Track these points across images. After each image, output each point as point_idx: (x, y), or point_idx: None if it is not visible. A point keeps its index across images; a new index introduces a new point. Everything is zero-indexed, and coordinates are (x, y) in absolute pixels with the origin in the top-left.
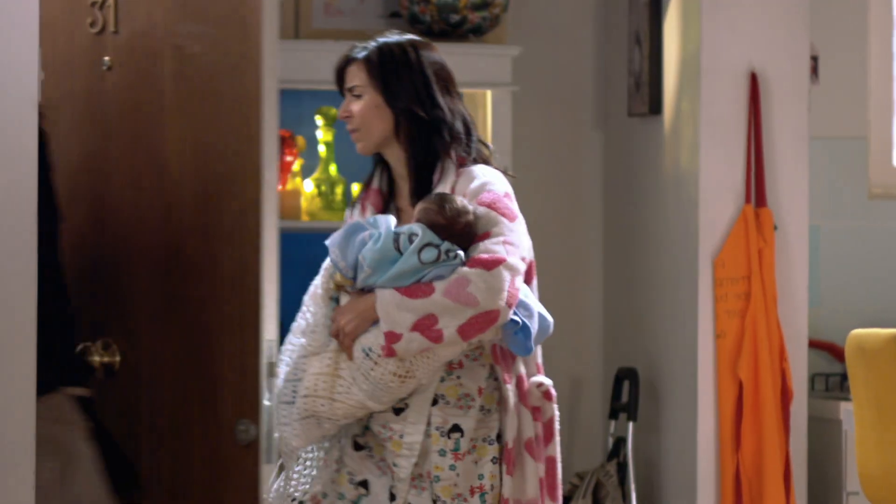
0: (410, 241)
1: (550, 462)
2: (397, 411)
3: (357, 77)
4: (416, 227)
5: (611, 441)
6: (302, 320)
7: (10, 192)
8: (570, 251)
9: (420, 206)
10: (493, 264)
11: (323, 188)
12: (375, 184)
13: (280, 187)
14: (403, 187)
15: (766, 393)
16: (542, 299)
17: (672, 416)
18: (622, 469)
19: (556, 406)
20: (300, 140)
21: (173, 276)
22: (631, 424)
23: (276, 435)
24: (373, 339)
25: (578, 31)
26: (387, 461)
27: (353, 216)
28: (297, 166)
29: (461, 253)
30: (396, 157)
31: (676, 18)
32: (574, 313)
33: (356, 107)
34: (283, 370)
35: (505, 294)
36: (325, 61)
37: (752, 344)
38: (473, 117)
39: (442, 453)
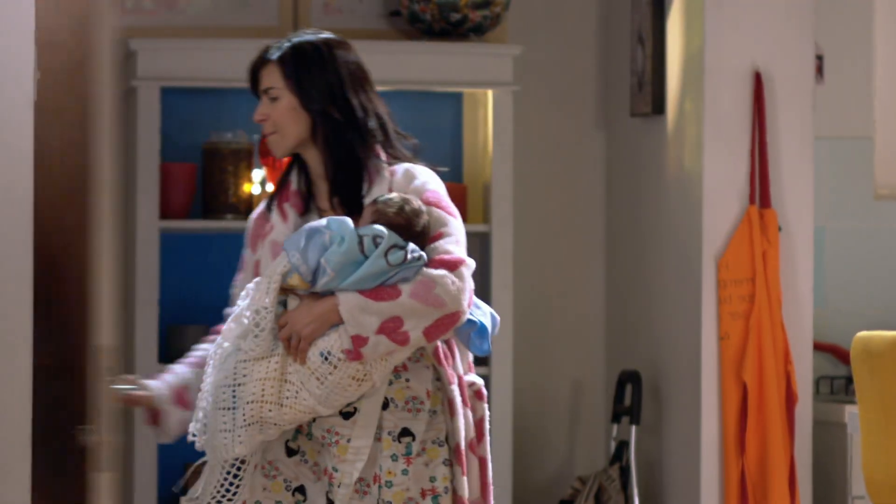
0: (375, 244)
1: (483, 462)
2: (346, 415)
3: (271, 78)
4: (380, 229)
5: (613, 445)
6: (233, 323)
7: (8, 193)
8: (572, 252)
9: (374, 207)
10: (455, 265)
11: None
12: (294, 185)
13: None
14: (322, 188)
15: (771, 396)
16: (544, 301)
17: (675, 419)
18: (625, 473)
19: (486, 406)
20: None
21: None
22: (634, 428)
23: (202, 441)
24: (331, 343)
25: (580, 30)
26: (320, 466)
27: (272, 218)
28: None
29: (424, 255)
30: (314, 159)
31: (679, 17)
32: (576, 315)
33: (271, 110)
34: (213, 375)
35: (468, 295)
36: None
37: (756, 346)
38: (475, 117)
39: (394, 458)
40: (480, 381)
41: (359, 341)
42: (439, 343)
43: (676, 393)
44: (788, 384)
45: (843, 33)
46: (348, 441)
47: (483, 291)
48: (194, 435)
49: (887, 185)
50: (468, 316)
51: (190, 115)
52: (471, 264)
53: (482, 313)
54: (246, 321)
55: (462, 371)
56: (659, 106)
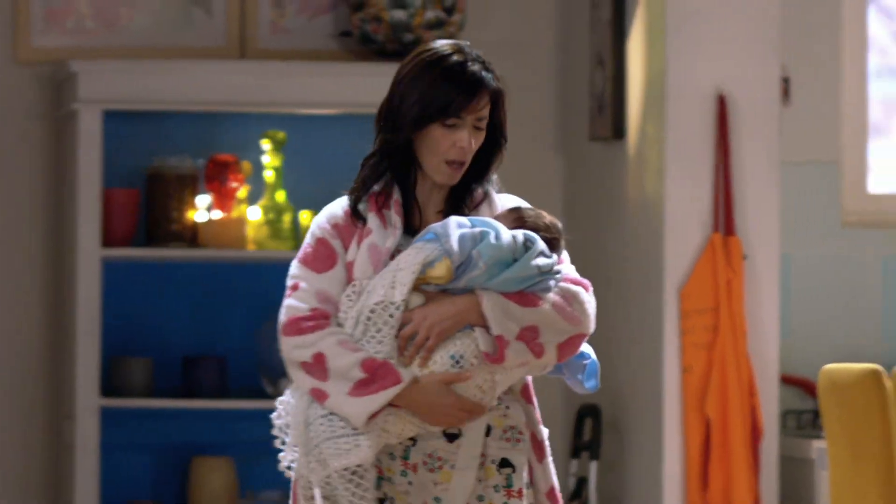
0: (526, 248)
1: None
2: (450, 437)
3: (486, 108)
4: (531, 233)
5: (572, 481)
6: (349, 327)
7: None
8: None
9: (517, 213)
10: (587, 286)
11: (270, 216)
12: (396, 195)
13: (224, 214)
14: (432, 204)
15: (736, 431)
16: None
17: (636, 454)
18: None
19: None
20: (246, 165)
21: None
22: (593, 463)
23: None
24: (464, 346)
25: (538, 51)
26: (412, 495)
27: (369, 222)
28: (242, 193)
29: (563, 270)
30: (438, 185)
31: (640, 38)
32: None
33: (476, 141)
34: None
35: (594, 321)
36: (272, 82)
37: (720, 379)
38: None
39: (496, 489)
40: (547, 432)
41: (503, 342)
42: (529, 380)
43: (637, 427)
44: (754, 418)
45: (811, 54)
46: (452, 467)
47: None
48: (290, 461)
49: (855, 211)
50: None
51: (133, 139)
52: (592, 290)
53: (589, 350)
54: (363, 319)
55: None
56: (619, 130)
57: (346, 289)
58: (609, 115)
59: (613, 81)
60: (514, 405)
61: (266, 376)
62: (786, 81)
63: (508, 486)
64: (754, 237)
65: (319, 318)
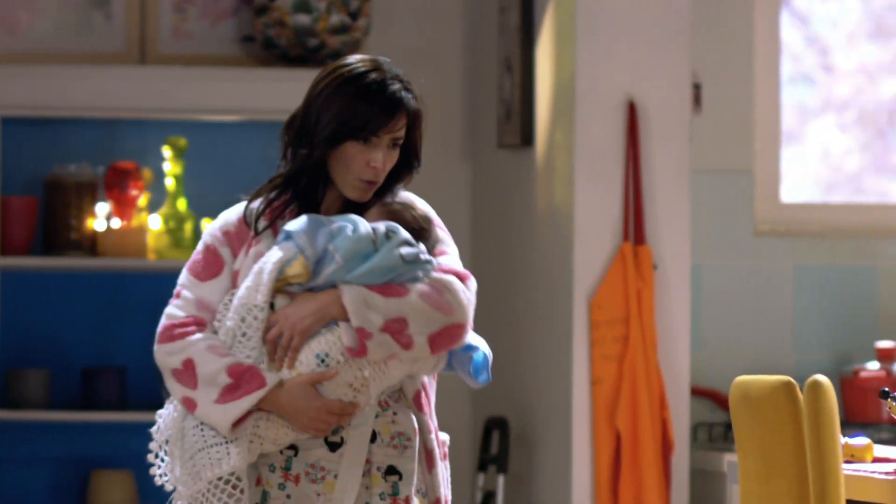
0: (388, 238)
1: None
2: (332, 446)
3: (402, 129)
4: (393, 224)
5: (479, 495)
6: (222, 334)
7: None
8: None
9: (385, 207)
10: (464, 277)
11: (171, 224)
12: (295, 207)
13: (124, 223)
14: (331, 208)
15: (646, 444)
16: None
17: (545, 468)
18: None
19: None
20: (146, 173)
21: None
22: (501, 477)
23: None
24: (329, 344)
25: (445, 57)
26: None
27: (261, 230)
28: (142, 201)
29: (433, 259)
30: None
31: (550, 44)
32: None
33: (389, 161)
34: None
35: (472, 311)
36: (174, 88)
37: (630, 391)
38: None
39: (382, 496)
40: (448, 439)
41: (364, 334)
42: (421, 387)
43: (546, 440)
44: (664, 431)
45: (723, 60)
46: (335, 477)
47: None
48: (163, 476)
49: (768, 220)
50: (468, 340)
51: (31, 146)
52: (475, 283)
53: (480, 343)
54: (230, 324)
55: (436, 424)
56: (528, 137)
57: (225, 296)
58: (517, 122)
59: (522, 88)
60: (403, 412)
61: (165, 388)
62: (697, 88)
63: (395, 493)
64: (665, 246)
65: (192, 325)
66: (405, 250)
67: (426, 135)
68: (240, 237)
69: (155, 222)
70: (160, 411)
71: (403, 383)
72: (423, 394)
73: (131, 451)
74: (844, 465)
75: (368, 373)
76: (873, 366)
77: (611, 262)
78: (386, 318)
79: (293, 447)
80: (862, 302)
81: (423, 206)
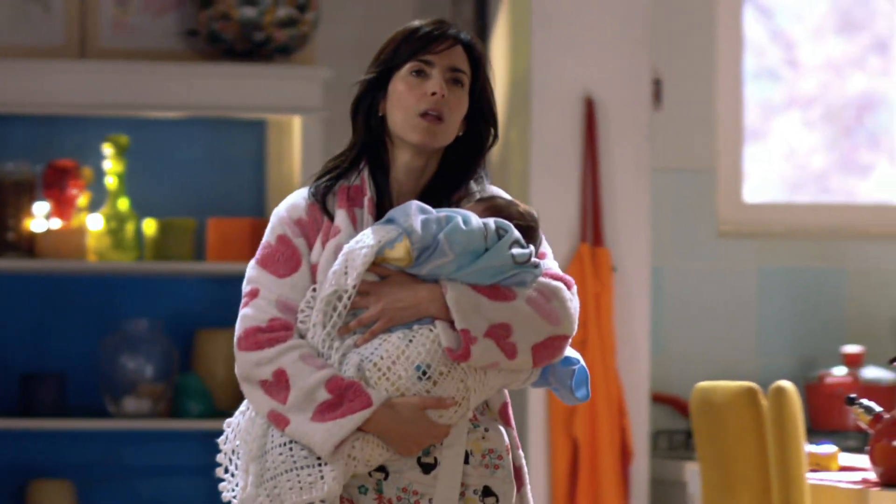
0: (499, 235)
1: None
2: (426, 468)
3: (460, 60)
4: (504, 221)
5: None
6: (309, 337)
7: None
8: None
9: (490, 202)
10: (570, 284)
11: (112, 225)
12: (369, 192)
13: (63, 223)
14: (405, 197)
15: (604, 452)
16: None
17: None
18: None
19: None
20: (86, 171)
21: None
22: None
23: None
24: (430, 354)
25: None
26: None
27: (337, 219)
28: (82, 200)
29: (541, 263)
30: (419, 164)
31: (504, 38)
32: None
33: (452, 94)
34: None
35: (577, 322)
36: (115, 83)
37: None
38: (280, 146)
39: None
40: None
41: (469, 338)
42: (508, 399)
43: None
44: (623, 439)
45: (684, 55)
46: (430, 501)
47: None
48: (232, 492)
49: (731, 220)
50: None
51: None
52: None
53: (576, 356)
54: (316, 317)
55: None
56: None
57: (307, 295)
58: None
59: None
60: (494, 426)
61: (108, 394)
62: (657, 84)
63: None
64: (624, 248)
65: (279, 330)
66: (516, 251)
67: None
68: (314, 226)
69: (95, 223)
70: (229, 420)
71: (490, 395)
72: (508, 406)
73: (71, 459)
74: (809, 474)
75: (471, 382)
76: (839, 371)
77: (568, 264)
78: (491, 324)
79: (382, 468)
80: (828, 305)
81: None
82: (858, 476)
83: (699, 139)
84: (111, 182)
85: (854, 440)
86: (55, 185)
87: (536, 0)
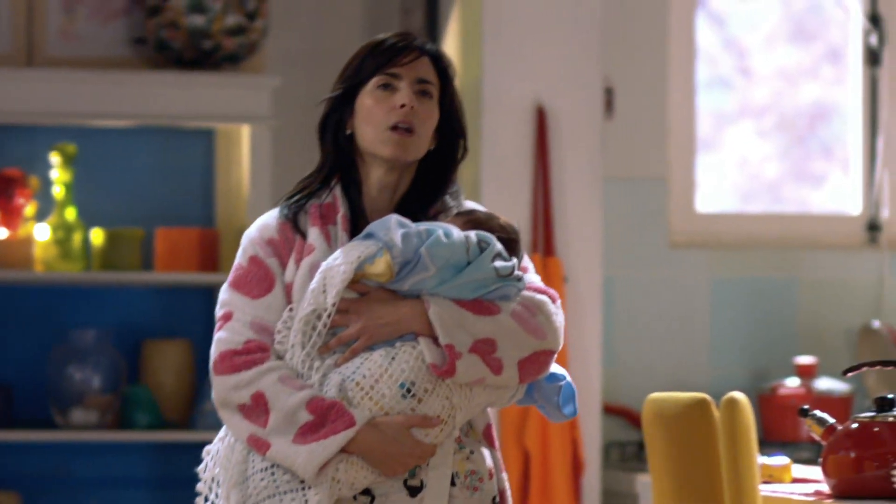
0: (481, 249)
1: None
2: (412, 491)
3: (427, 71)
4: (486, 234)
5: None
6: (288, 357)
7: None
8: None
9: (470, 216)
10: (555, 297)
11: (59, 234)
12: (342, 209)
13: (9, 233)
14: (380, 212)
15: (555, 464)
16: None
17: None
18: None
19: None
20: (33, 181)
21: None
22: None
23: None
24: (412, 371)
25: (346, 60)
26: None
27: (309, 237)
28: (29, 210)
29: (525, 277)
30: (392, 178)
31: (455, 46)
32: None
33: (421, 105)
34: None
35: (562, 337)
36: (62, 92)
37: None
38: (229, 155)
39: None
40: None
41: (454, 353)
42: (492, 419)
43: None
44: (575, 451)
45: (635, 64)
46: None
47: None
48: None
49: (683, 231)
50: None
51: None
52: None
53: (562, 372)
54: (295, 337)
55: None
56: None
57: (283, 315)
58: None
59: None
60: (477, 448)
61: (55, 406)
62: (609, 93)
63: None
64: (576, 258)
65: (256, 352)
66: (499, 264)
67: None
68: (286, 245)
69: (42, 232)
70: (208, 447)
71: (473, 416)
72: (492, 427)
73: (18, 471)
74: (762, 486)
75: (457, 399)
76: (792, 382)
77: None
78: (475, 339)
79: (368, 491)
80: (781, 316)
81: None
82: (811, 488)
83: (651, 148)
84: (58, 191)
85: (807, 452)
86: (1, 194)
87: (487, 9)
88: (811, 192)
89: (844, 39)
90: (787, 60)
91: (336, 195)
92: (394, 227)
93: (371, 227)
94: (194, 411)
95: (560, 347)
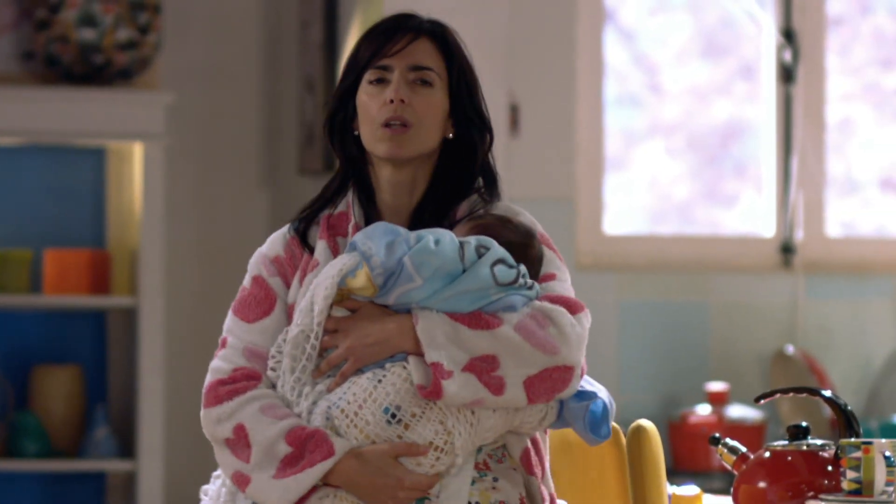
0: (479, 255)
1: None
2: None
3: (425, 56)
4: (486, 238)
5: None
6: (280, 384)
7: None
8: None
9: (477, 221)
10: (576, 308)
11: None
12: (354, 217)
13: None
14: (393, 218)
15: None
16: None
17: None
18: None
19: None
20: None
21: None
22: None
23: None
24: (398, 393)
25: (243, 76)
26: None
27: (317, 251)
28: None
29: (538, 285)
30: (408, 179)
31: None
32: None
33: (417, 96)
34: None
35: (584, 350)
36: None
37: None
38: (121, 174)
39: None
40: None
41: (440, 372)
42: (529, 445)
43: None
44: None
45: (542, 80)
46: None
47: (130, 375)
48: None
49: (590, 252)
50: (582, 384)
51: None
52: (589, 316)
53: (596, 388)
54: (285, 362)
55: (553, 489)
56: (331, 162)
57: (278, 339)
58: (320, 147)
59: (325, 109)
60: (507, 475)
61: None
62: (514, 110)
63: None
64: None
65: (241, 381)
66: (500, 270)
67: (221, 159)
68: (292, 262)
69: None
70: (205, 487)
71: (507, 439)
72: (532, 452)
73: None
74: None
75: (451, 423)
76: (703, 409)
77: None
78: (472, 356)
79: None
80: (691, 341)
81: (526, 219)
82: None
83: (558, 168)
84: None
85: (718, 481)
86: None
87: None
88: (723, 213)
89: (757, 55)
90: (699, 77)
91: (349, 202)
92: (378, 234)
93: (356, 236)
94: (84, 439)
95: (578, 361)
